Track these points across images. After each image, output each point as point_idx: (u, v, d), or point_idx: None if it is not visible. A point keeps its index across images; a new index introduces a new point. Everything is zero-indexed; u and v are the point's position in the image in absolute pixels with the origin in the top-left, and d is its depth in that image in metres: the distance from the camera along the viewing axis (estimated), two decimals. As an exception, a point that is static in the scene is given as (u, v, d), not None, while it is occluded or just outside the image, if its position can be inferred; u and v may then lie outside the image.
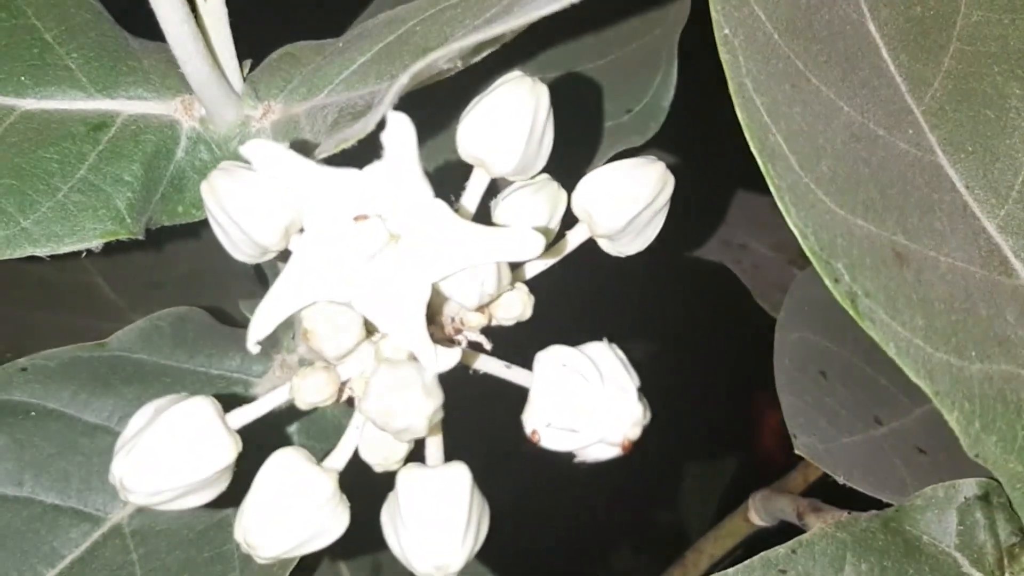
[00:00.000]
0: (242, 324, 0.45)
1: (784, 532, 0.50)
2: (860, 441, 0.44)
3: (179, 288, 0.57)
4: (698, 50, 0.49)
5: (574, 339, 0.30)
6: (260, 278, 0.55)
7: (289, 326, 0.40)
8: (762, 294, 0.61)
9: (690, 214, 0.34)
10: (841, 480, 0.42)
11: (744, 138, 0.39)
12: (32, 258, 0.34)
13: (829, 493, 0.47)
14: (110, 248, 0.35)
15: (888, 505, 0.35)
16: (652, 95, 0.48)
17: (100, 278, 0.58)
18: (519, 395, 0.29)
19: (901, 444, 0.44)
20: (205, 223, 0.36)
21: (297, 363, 0.42)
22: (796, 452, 0.43)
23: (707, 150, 0.58)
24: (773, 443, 0.50)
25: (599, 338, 0.29)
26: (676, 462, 0.72)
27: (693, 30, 0.49)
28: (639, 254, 0.33)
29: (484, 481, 0.28)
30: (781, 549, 0.33)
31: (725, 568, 0.32)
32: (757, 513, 0.52)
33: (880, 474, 0.43)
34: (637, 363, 0.29)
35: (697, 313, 0.73)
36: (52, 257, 0.34)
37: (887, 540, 0.34)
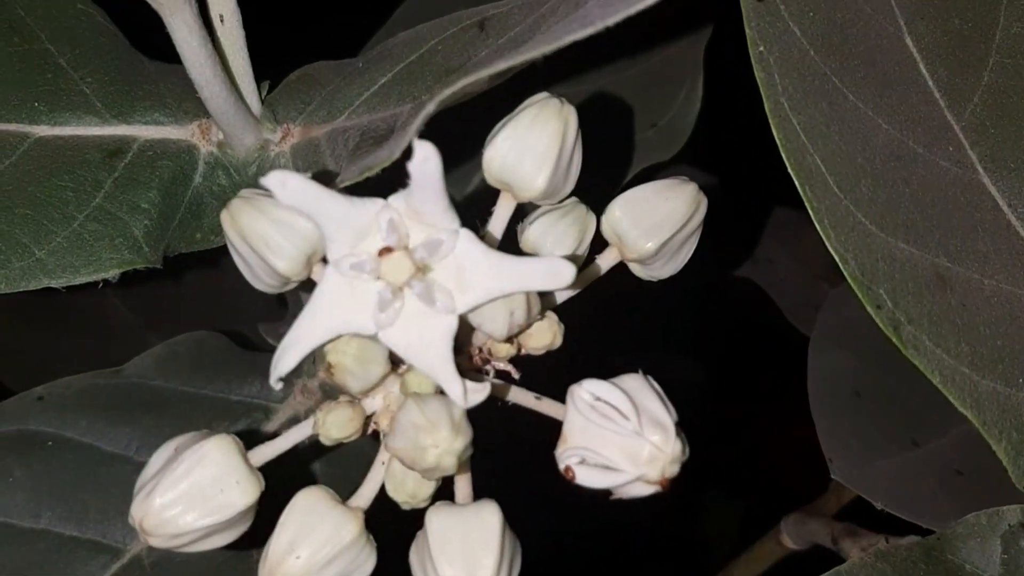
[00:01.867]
0: (261, 348, 0.44)
1: (817, 556, 0.49)
2: (896, 464, 0.43)
3: (197, 307, 0.56)
4: (717, 63, 0.48)
5: (600, 361, 0.29)
6: (279, 299, 0.54)
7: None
8: (791, 309, 0.60)
9: (717, 229, 0.34)
10: (879, 506, 0.41)
11: (770, 151, 0.38)
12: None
13: (864, 515, 0.46)
14: (127, 275, 0.34)
15: (928, 531, 0.34)
16: (677, 109, 0.47)
17: (117, 299, 0.57)
18: (544, 425, 0.29)
19: (938, 466, 0.43)
20: (223, 248, 0.35)
21: (318, 388, 0.42)
22: (832, 477, 0.42)
23: (731, 164, 0.57)
24: (802, 463, 0.49)
25: (625, 359, 0.28)
26: (702, 482, 0.71)
27: (713, 44, 0.48)
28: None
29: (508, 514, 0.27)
30: (820, 580, 0.32)
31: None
32: (789, 536, 0.51)
33: (918, 498, 0.42)
34: (662, 381, 0.28)
35: (724, 329, 0.72)
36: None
37: (929, 570, 0.33)
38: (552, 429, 0.28)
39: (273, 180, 0.25)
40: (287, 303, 0.49)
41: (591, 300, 0.32)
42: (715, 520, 0.77)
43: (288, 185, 0.25)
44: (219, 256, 0.36)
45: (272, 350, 0.44)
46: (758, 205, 0.64)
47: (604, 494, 0.27)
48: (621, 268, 0.32)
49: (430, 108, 0.26)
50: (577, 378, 0.28)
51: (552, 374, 0.30)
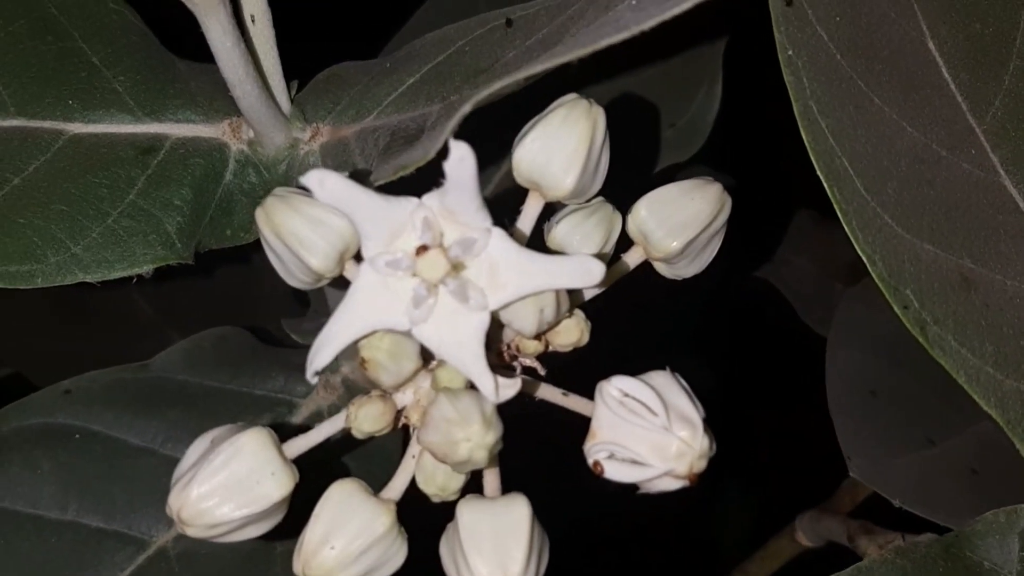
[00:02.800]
0: (284, 343, 0.45)
1: (832, 553, 0.50)
2: (913, 462, 0.43)
3: (219, 305, 0.57)
4: (733, 65, 0.49)
5: (617, 359, 0.29)
6: (298, 297, 0.55)
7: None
8: (805, 310, 0.60)
9: (732, 229, 0.34)
10: (897, 504, 0.42)
11: (785, 152, 0.39)
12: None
13: (878, 512, 0.46)
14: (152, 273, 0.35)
15: (943, 527, 0.34)
16: (696, 110, 0.47)
17: (140, 298, 0.58)
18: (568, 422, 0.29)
19: (954, 465, 0.44)
20: (249, 245, 0.35)
21: (340, 383, 0.42)
22: (851, 474, 0.42)
23: (747, 165, 0.57)
24: (817, 461, 0.50)
25: (641, 359, 0.29)
26: (718, 480, 0.71)
27: (730, 44, 0.49)
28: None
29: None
30: (840, 577, 0.33)
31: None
32: (805, 534, 0.52)
33: (934, 496, 0.42)
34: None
35: (737, 328, 0.73)
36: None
37: (948, 567, 0.33)
38: (576, 426, 0.28)
39: (312, 179, 0.26)
40: (309, 300, 0.49)
41: (606, 300, 0.32)
42: (731, 517, 0.77)
43: (326, 184, 0.26)
44: (247, 253, 0.36)
45: (295, 345, 0.45)
46: (773, 206, 0.64)
47: (621, 489, 0.28)
48: (639, 267, 0.32)
49: (466, 108, 0.26)
50: (596, 377, 0.28)
51: (572, 373, 0.30)
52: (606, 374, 0.28)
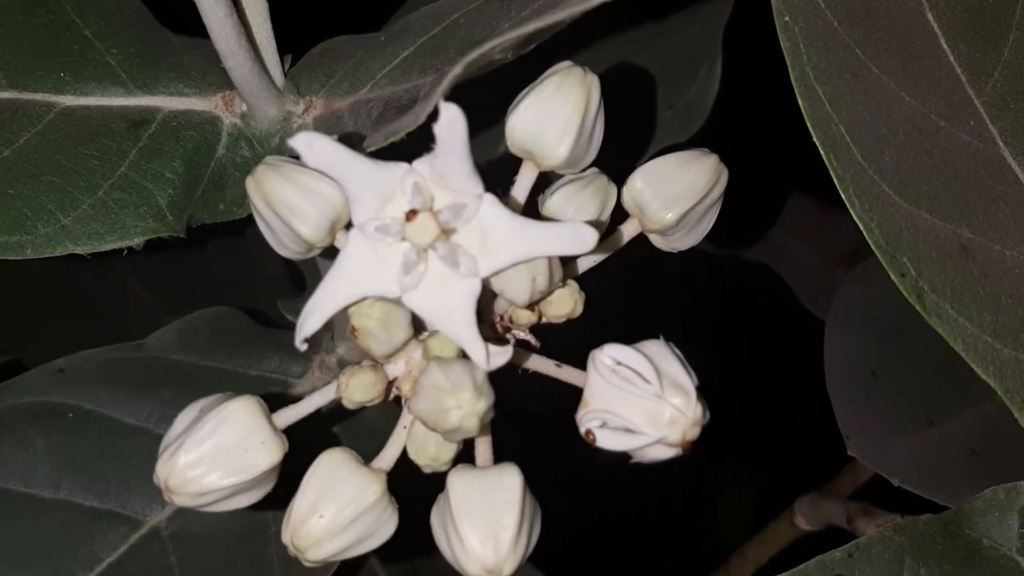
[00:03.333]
0: (279, 324, 0.45)
1: (832, 537, 0.49)
2: (913, 443, 0.43)
3: (215, 288, 0.57)
4: (734, 46, 0.49)
5: (610, 339, 0.29)
6: (294, 279, 0.55)
7: (328, 326, 0.40)
8: (805, 294, 0.60)
9: (732, 214, 0.34)
10: (896, 483, 0.41)
11: (787, 135, 0.38)
12: (66, 260, 0.34)
13: (878, 496, 0.46)
14: (145, 255, 0.35)
15: (942, 508, 0.34)
16: (695, 91, 0.47)
17: (135, 281, 0.57)
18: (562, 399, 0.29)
19: (954, 445, 0.44)
20: (243, 221, 0.35)
21: (336, 363, 0.42)
22: (849, 454, 0.42)
23: (746, 147, 0.57)
24: (816, 446, 0.50)
25: (638, 336, 0.29)
26: (716, 464, 0.71)
27: (730, 27, 0.49)
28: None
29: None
30: (837, 553, 0.33)
31: (772, 574, 0.31)
32: (804, 517, 0.52)
33: (934, 476, 0.42)
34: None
35: (738, 312, 0.73)
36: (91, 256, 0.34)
37: (947, 544, 0.33)
38: (571, 401, 0.28)
39: (300, 141, 0.25)
40: (305, 282, 0.49)
41: (605, 282, 0.32)
42: (729, 501, 0.77)
43: (315, 147, 0.25)
44: (242, 231, 0.36)
45: (291, 326, 0.44)
46: (773, 191, 0.64)
47: (620, 473, 0.28)
48: (638, 249, 0.32)
49: (457, 70, 0.26)
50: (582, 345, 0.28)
51: (570, 351, 0.30)
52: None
